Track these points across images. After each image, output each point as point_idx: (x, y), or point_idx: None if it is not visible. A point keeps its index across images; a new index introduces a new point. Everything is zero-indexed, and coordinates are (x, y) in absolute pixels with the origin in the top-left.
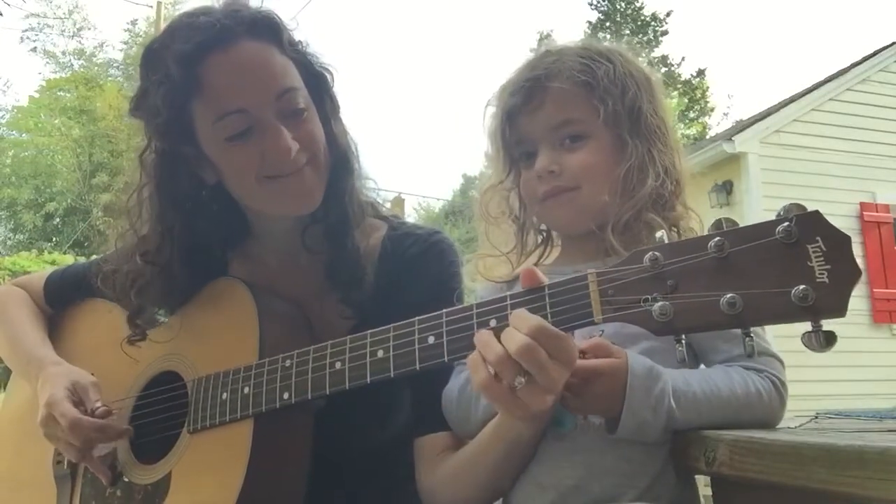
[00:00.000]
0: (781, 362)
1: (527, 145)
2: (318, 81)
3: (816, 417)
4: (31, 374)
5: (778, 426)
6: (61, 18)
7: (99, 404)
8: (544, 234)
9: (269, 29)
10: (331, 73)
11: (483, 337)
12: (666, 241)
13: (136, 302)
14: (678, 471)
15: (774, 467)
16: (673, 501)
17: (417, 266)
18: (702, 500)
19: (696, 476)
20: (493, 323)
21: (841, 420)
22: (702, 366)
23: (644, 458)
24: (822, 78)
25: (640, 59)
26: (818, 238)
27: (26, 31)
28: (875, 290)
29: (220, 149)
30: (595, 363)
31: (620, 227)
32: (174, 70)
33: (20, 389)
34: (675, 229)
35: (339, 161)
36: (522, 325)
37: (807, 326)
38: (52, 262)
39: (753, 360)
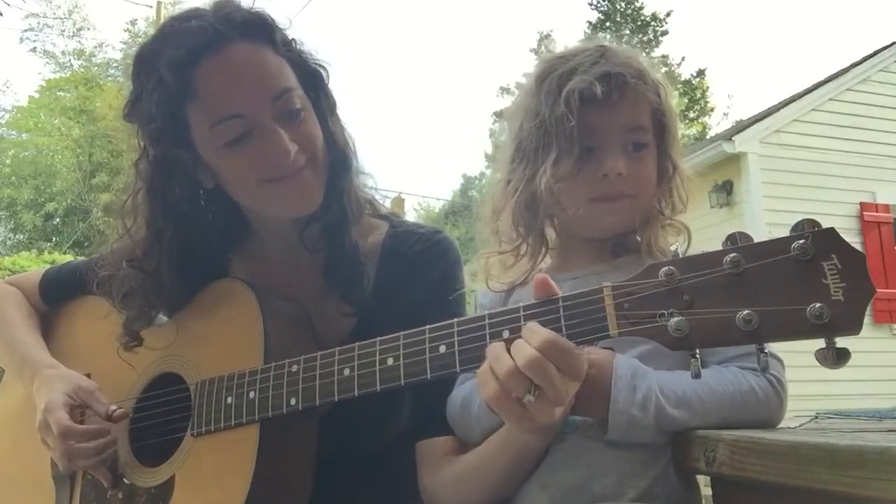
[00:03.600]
0: (780, 361)
1: (591, 140)
2: (313, 79)
3: (816, 417)
4: (26, 377)
5: (778, 426)
6: (61, 18)
7: (114, 407)
8: (541, 238)
9: (261, 30)
10: (326, 70)
11: (495, 350)
12: (681, 256)
13: (122, 310)
14: (679, 471)
15: (774, 467)
16: (673, 501)
17: (419, 265)
18: (702, 500)
19: (696, 476)
20: (505, 334)
21: (841, 420)
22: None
23: (645, 458)
24: (822, 78)
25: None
26: (833, 255)
27: (26, 31)
28: (875, 287)
29: (218, 153)
30: None
31: (654, 232)
32: (167, 76)
33: (14, 390)
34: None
35: (337, 159)
36: (533, 338)
37: (820, 342)
38: (52, 262)
39: (750, 359)
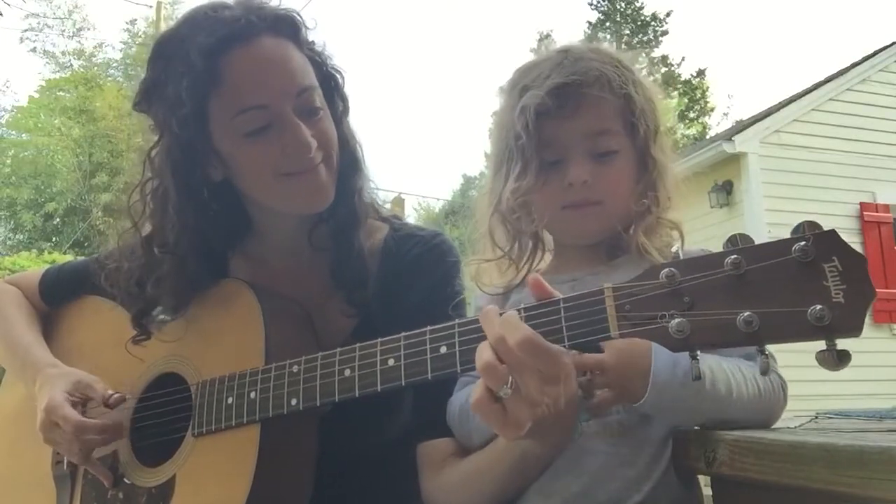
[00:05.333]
0: (775, 360)
1: (553, 151)
2: (330, 82)
3: (816, 417)
4: (27, 377)
5: (778, 426)
6: (61, 19)
7: (111, 391)
8: (534, 240)
9: (290, 27)
10: (342, 75)
11: (480, 346)
12: (682, 257)
13: (153, 294)
14: (679, 472)
15: (774, 467)
16: (674, 502)
17: (419, 268)
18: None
19: (697, 476)
20: None
21: (841, 420)
22: None
23: (648, 462)
24: (822, 78)
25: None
26: (834, 257)
27: (26, 31)
28: (875, 290)
29: (237, 144)
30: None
31: (644, 231)
32: (197, 62)
33: (14, 389)
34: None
35: (348, 161)
36: (511, 333)
37: (820, 344)
38: (52, 262)
39: (752, 357)
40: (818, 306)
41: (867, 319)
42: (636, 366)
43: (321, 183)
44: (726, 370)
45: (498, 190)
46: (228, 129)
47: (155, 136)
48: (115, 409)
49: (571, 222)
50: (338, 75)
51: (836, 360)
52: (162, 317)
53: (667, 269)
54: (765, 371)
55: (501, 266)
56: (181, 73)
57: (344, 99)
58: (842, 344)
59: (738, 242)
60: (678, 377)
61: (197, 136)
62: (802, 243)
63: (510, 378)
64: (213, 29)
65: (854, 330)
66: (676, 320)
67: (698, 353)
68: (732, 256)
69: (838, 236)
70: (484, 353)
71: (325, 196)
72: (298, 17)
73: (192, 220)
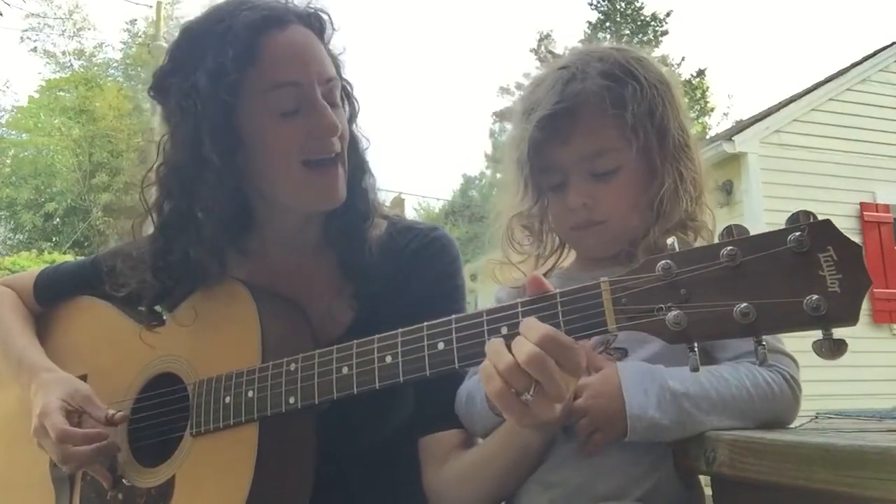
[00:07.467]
0: (794, 361)
1: (555, 176)
2: (344, 85)
3: (816, 417)
4: (23, 380)
5: (792, 424)
6: (61, 19)
7: (112, 411)
8: (560, 239)
9: (318, 23)
10: (351, 85)
11: (494, 346)
12: (677, 250)
13: (161, 280)
14: (680, 472)
15: (774, 467)
16: (676, 502)
17: (418, 262)
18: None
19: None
20: (503, 330)
21: (841, 420)
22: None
23: (649, 458)
24: (822, 78)
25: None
26: (829, 247)
27: (26, 31)
28: (875, 290)
29: (265, 124)
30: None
31: (652, 247)
32: (242, 34)
33: (10, 390)
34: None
35: (359, 160)
36: (532, 333)
37: (817, 334)
38: (52, 262)
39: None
40: (814, 296)
41: (867, 319)
42: (611, 402)
43: (338, 180)
44: (703, 384)
45: (510, 206)
46: (259, 106)
47: (170, 123)
48: (118, 425)
49: (581, 241)
50: (347, 84)
51: (833, 349)
52: (165, 316)
53: (663, 262)
54: (762, 362)
55: (527, 266)
56: (225, 45)
57: (353, 104)
58: (839, 335)
59: (734, 233)
60: (651, 402)
61: (226, 112)
62: (798, 233)
63: (533, 382)
64: (252, 11)
65: (850, 319)
66: (673, 313)
67: (696, 344)
68: (728, 248)
69: (833, 226)
70: (504, 357)
71: (339, 193)
72: (327, 17)
73: (202, 203)
